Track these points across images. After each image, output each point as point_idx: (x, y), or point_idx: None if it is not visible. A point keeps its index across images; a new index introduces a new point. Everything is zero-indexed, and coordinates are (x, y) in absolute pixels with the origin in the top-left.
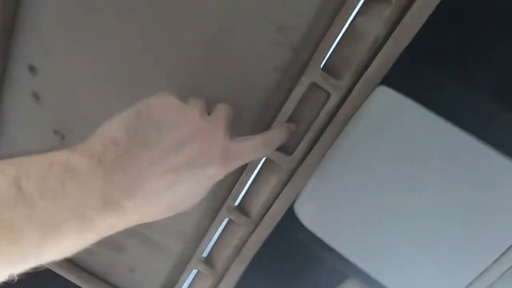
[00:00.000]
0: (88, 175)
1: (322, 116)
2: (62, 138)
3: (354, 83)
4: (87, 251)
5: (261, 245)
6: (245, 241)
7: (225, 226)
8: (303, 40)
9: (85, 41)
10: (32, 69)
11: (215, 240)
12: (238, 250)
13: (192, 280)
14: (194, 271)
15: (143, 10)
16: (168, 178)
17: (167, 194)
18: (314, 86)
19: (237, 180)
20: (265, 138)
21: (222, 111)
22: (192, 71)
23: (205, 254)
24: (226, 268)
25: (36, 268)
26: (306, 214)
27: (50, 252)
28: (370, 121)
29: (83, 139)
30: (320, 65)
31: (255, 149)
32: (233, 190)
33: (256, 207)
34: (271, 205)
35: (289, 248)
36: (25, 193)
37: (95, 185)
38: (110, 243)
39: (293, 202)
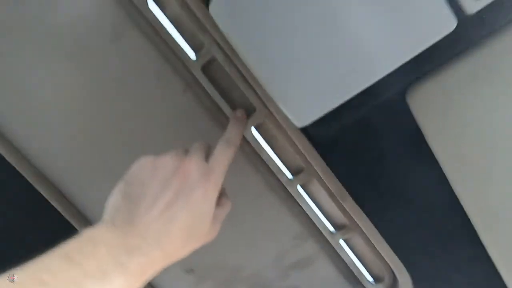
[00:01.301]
0: (110, 238)
1: None
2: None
3: None
4: None
5: None
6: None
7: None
8: None
9: None
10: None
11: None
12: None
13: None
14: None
15: None
16: (166, 214)
17: (173, 227)
18: None
19: None
20: (225, 138)
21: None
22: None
23: (331, 229)
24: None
25: None
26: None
27: None
28: None
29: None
30: None
31: (223, 153)
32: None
33: None
34: None
35: None
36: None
37: (118, 241)
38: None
39: None
